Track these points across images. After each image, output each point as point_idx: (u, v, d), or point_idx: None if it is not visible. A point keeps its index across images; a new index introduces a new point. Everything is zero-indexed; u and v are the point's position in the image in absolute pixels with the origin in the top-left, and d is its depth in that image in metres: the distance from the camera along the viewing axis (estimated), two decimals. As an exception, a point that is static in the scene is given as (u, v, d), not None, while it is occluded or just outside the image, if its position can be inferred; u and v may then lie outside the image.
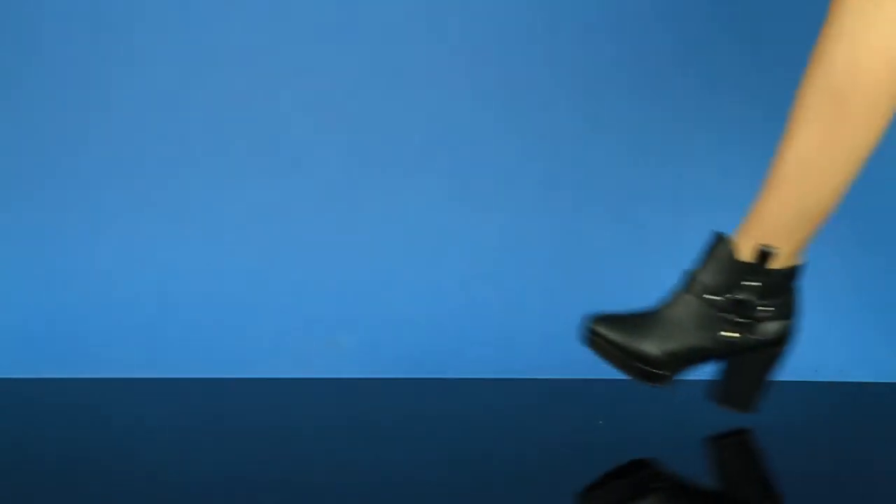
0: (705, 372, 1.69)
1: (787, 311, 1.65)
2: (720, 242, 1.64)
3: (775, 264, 1.62)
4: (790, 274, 1.64)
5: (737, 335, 1.63)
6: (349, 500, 1.48)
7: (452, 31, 2.23)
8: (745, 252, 1.62)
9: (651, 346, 1.62)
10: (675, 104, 2.24)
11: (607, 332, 1.63)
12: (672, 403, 1.77)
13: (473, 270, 2.15)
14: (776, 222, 1.61)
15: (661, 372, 1.62)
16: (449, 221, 2.19)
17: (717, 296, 1.62)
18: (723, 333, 1.63)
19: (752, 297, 1.62)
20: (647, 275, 1.82)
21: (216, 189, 2.28)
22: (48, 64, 2.27)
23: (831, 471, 1.56)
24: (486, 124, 2.20)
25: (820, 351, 2.12)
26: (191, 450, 1.62)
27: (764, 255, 1.62)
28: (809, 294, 2.19)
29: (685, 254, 1.80)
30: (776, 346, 1.65)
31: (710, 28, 2.24)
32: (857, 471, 1.57)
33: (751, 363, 1.65)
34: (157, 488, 1.47)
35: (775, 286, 1.63)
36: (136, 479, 1.50)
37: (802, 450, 1.65)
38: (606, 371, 1.70)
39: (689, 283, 1.64)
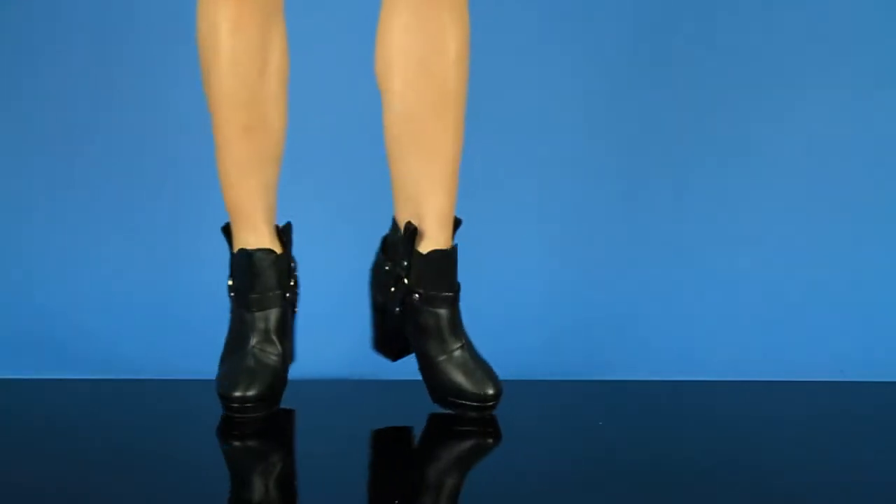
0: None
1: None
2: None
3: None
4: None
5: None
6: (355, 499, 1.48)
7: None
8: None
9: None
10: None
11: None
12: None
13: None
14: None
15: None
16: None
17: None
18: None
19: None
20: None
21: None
22: (47, 63, 2.28)
23: (830, 470, 1.56)
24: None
25: (820, 351, 2.13)
26: (191, 450, 1.62)
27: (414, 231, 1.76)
28: (810, 294, 2.20)
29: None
30: None
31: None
32: (856, 470, 1.57)
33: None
34: (158, 488, 1.48)
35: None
36: (136, 478, 1.51)
37: (802, 449, 1.65)
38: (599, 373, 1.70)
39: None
